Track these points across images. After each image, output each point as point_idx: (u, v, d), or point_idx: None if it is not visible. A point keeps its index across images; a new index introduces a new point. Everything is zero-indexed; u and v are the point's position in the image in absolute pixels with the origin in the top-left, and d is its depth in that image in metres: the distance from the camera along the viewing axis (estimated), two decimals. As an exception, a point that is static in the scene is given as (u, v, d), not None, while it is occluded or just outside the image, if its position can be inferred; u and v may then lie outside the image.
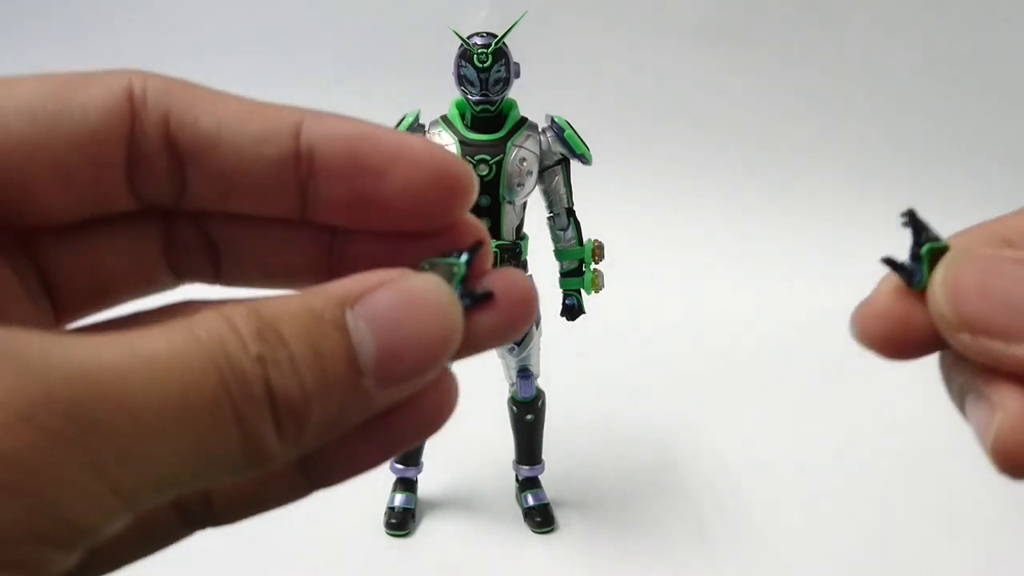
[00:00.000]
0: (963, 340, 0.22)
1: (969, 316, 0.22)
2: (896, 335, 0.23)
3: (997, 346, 0.21)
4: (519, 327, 0.23)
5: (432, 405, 0.21)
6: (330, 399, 0.19)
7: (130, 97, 0.22)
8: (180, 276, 0.25)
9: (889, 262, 0.24)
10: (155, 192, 0.23)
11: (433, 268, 0.22)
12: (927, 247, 0.23)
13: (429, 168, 0.23)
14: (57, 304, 0.24)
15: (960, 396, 0.24)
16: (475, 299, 0.22)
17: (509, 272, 0.23)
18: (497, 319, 0.22)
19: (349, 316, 0.20)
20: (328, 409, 0.19)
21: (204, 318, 0.19)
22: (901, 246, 0.24)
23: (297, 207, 0.23)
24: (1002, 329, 0.21)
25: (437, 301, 0.21)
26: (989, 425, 0.22)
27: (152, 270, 0.25)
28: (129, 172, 0.23)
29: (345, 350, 0.19)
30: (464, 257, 0.23)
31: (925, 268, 0.23)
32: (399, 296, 0.20)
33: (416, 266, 0.22)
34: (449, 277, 0.22)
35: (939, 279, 0.22)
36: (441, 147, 0.24)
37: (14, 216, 0.22)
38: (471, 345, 0.22)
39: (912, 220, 0.24)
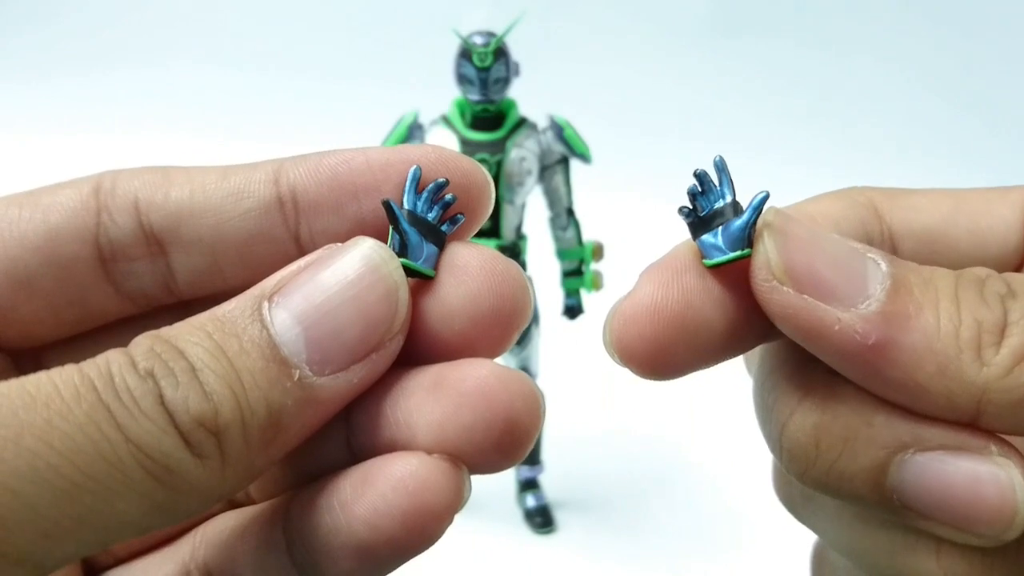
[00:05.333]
0: (785, 295, 0.19)
1: (799, 267, 0.19)
2: (674, 336, 0.20)
3: (822, 307, 0.19)
4: (505, 306, 0.20)
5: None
6: (251, 400, 0.17)
7: (96, 192, 0.21)
8: None
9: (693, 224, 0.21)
10: (141, 285, 0.21)
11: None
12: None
13: (430, 168, 0.21)
14: None
15: (884, 456, 0.20)
16: (431, 233, 0.20)
17: (486, 250, 0.20)
18: (471, 287, 0.20)
19: (265, 308, 0.18)
20: (255, 412, 0.17)
21: (103, 353, 0.17)
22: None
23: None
24: (833, 289, 0.19)
25: (365, 264, 0.19)
26: (1007, 485, 0.19)
27: None
28: (106, 267, 0.21)
29: (260, 344, 0.18)
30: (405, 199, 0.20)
31: (752, 218, 0.20)
32: (320, 272, 0.18)
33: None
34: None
35: (766, 222, 0.20)
36: (440, 146, 0.21)
37: None
38: (454, 329, 0.20)
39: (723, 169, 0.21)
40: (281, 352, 0.18)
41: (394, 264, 0.19)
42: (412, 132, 0.70)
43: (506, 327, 0.20)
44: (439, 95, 0.71)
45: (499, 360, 0.20)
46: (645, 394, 0.98)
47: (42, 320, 0.21)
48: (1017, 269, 0.23)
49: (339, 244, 0.19)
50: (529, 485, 0.80)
